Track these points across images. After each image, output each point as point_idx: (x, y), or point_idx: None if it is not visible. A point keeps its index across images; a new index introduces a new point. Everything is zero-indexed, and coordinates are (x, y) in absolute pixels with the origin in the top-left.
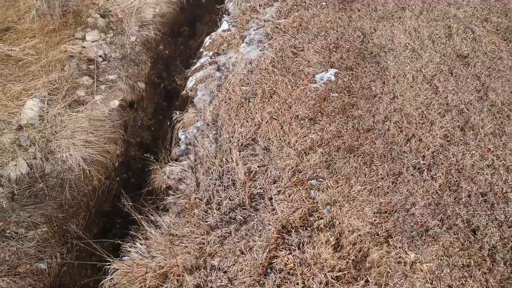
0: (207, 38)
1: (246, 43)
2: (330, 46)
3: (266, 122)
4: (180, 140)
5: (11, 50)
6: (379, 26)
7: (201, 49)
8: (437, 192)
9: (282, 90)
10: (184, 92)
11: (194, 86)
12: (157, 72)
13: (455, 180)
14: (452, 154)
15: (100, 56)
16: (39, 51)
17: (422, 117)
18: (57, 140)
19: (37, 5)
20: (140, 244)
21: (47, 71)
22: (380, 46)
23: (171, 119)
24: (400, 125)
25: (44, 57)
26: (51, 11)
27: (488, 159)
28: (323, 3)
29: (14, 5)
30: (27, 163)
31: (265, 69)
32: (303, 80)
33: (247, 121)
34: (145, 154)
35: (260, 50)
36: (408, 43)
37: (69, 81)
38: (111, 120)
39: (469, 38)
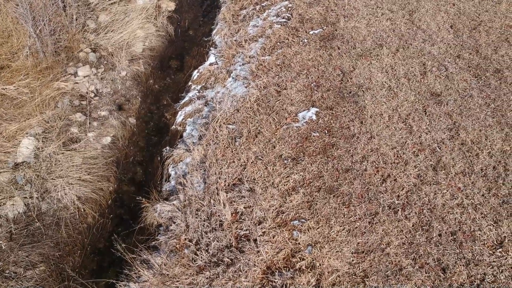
0: (195, 71)
1: (233, 78)
2: (312, 85)
3: (252, 163)
4: (170, 176)
5: (6, 89)
6: (357, 64)
7: (190, 83)
8: (411, 232)
9: (267, 130)
10: (173, 127)
11: (183, 120)
12: (147, 107)
13: (427, 219)
14: (425, 193)
15: (92, 91)
16: (33, 90)
17: (397, 157)
18: (52, 179)
19: (30, 43)
20: (134, 283)
21: (41, 109)
22: (359, 85)
23: (161, 155)
24: (376, 165)
25: (38, 96)
26: (43, 48)
27: (458, 198)
28: (305, 40)
29: (7, 42)
30: (23, 202)
31: (250, 108)
32: (286, 119)
33: (233, 161)
34: (137, 198)
35: (246, 87)
36: (385, 82)
37: (62, 118)
38: (104, 157)
39: (443, 76)
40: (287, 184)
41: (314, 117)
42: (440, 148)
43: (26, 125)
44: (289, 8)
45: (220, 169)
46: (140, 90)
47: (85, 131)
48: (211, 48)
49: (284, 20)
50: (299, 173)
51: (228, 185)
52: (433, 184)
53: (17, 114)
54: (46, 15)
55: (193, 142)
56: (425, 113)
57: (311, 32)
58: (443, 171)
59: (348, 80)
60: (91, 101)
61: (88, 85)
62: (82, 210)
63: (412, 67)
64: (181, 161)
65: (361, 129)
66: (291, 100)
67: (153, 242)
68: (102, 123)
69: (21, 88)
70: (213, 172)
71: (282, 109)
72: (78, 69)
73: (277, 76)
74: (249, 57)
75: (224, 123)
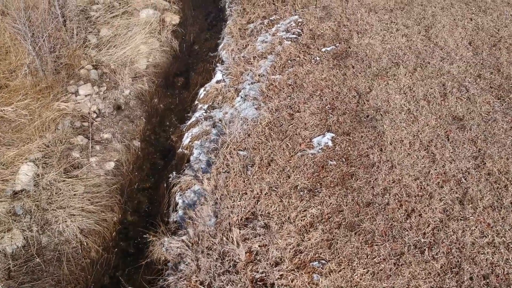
0: (202, 89)
1: (241, 97)
2: (326, 107)
3: (265, 194)
4: (177, 205)
5: (3, 110)
6: (374, 84)
7: (196, 102)
8: (439, 275)
9: (280, 157)
10: (180, 150)
11: (190, 143)
12: (152, 128)
13: (456, 260)
14: (452, 230)
15: (94, 112)
16: (32, 112)
17: (421, 188)
18: (53, 210)
19: (29, 61)
20: None
21: (41, 132)
22: (376, 108)
23: (167, 181)
24: (399, 199)
25: (37, 118)
26: (43, 66)
27: (488, 236)
28: (317, 58)
29: (5, 59)
30: (23, 235)
31: (262, 132)
32: (300, 144)
33: (245, 193)
34: (144, 233)
35: (256, 109)
36: (404, 104)
37: (63, 142)
38: (107, 185)
39: (464, 98)
40: (304, 219)
41: (330, 143)
42: (465, 179)
43: (25, 150)
44: (299, 23)
45: (232, 202)
46: (144, 110)
47: (87, 156)
48: (218, 64)
49: (294, 36)
50: (316, 206)
51: (241, 220)
52: (461, 219)
53: (15, 138)
54: (45, 31)
55: (201, 168)
56: (448, 140)
57: (323, 49)
58: (471, 205)
59: (364, 103)
60: (93, 122)
61: (90, 105)
62: (85, 244)
63: (431, 88)
64: (188, 188)
65: (381, 157)
66: (305, 124)
67: (162, 283)
68: (105, 146)
69: (20, 109)
70: (224, 206)
71: (296, 134)
72: (79, 88)
73: (289, 97)
74: (259, 75)
75: (234, 149)
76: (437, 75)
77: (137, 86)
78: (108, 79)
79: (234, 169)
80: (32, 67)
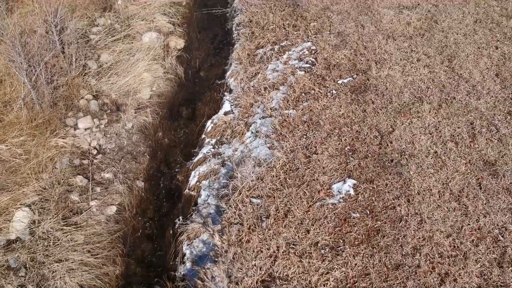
0: (209, 122)
1: (252, 132)
2: (346, 149)
3: (283, 253)
4: (185, 256)
5: None
6: (396, 123)
7: (203, 135)
8: None
9: (297, 207)
10: (186, 191)
11: (197, 183)
12: (156, 166)
13: None
14: None
15: (94, 148)
16: (28, 150)
17: (454, 247)
18: (50, 263)
19: (24, 93)
20: None
21: (37, 173)
22: (400, 151)
23: (174, 227)
24: (431, 259)
25: (33, 157)
26: (39, 99)
27: None
28: (334, 91)
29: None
30: None
31: (276, 177)
32: (319, 192)
33: (261, 250)
34: None
35: (269, 148)
36: (430, 147)
37: (61, 183)
38: (109, 233)
39: (494, 139)
40: (327, 283)
41: (352, 192)
42: (503, 236)
43: (20, 195)
44: (313, 51)
45: (247, 263)
46: (148, 145)
47: (87, 199)
48: (226, 94)
49: (308, 65)
50: (340, 268)
51: (256, 283)
52: (501, 286)
53: (10, 181)
54: (42, 60)
55: (210, 214)
56: (480, 188)
57: (339, 82)
58: (510, 268)
59: (387, 145)
60: (93, 160)
61: (90, 140)
62: None
63: (458, 127)
64: (197, 237)
65: (408, 209)
66: (323, 168)
67: None
68: (106, 187)
69: (15, 148)
70: (238, 267)
71: (314, 180)
72: (79, 121)
73: (304, 136)
74: (271, 109)
75: (247, 197)
76: (464, 112)
77: (140, 119)
78: (109, 111)
79: (247, 221)
80: (28, 100)
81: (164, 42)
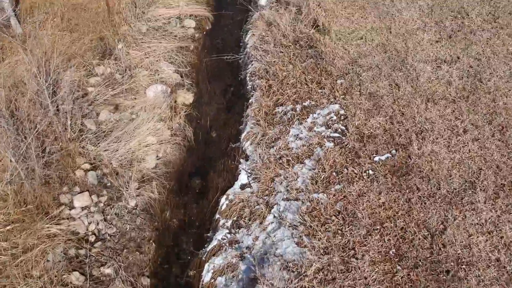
0: (223, 198)
1: (275, 217)
2: (391, 252)
3: None
4: None
5: None
6: (448, 218)
7: (217, 215)
8: None
9: None
10: None
11: (212, 280)
12: (164, 256)
13: None
14: None
15: (92, 233)
16: (15, 243)
17: None
18: None
19: (9, 173)
20: None
21: (27, 270)
22: (456, 258)
23: None
24: None
25: (21, 253)
26: (29, 177)
27: None
28: (370, 171)
29: None
30: None
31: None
32: None
33: None
34: None
35: (296, 243)
36: (491, 252)
37: (54, 282)
38: None
39: None
40: None
41: None
42: None
43: None
44: (341, 116)
45: None
46: (154, 228)
47: None
48: (242, 161)
49: (337, 135)
50: None
51: None
52: None
53: None
54: (32, 132)
55: None
56: None
57: (376, 158)
58: None
59: (440, 249)
60: (92, 248)
61: (88, 223)
62: None
63: None
64: None
65: None
66: (365, 278)
67: None
68: (106, 287)
69: (1, 242)
70: None
71: None
72: (75, 198)
73: (339, 232)
74: (296, 190)
75: None
76: None
77: (144, 195)
78: (109, 184)
79: None
80: (16, 180)
81: (171, 97)
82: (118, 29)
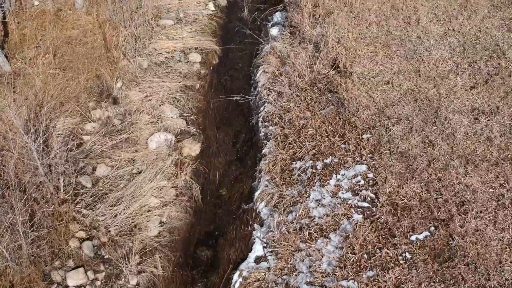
0: (236, 275)
1: None
2: None
3: None
4: None
5: None
6: None
7: None
8: None
9: None
10: None
11: None
12: None
13: None
14: None
15: None
16: None
17: None
18: None
19: None
20: None
21: None
22: None
23: None
24: None
25: None
26: (16, 254)
27: None
28: (407, 255)
29: None
30: None
31: None
32: None
33: None
34: None
35: None
36: None
37: None
38: None
39: None
40: None
41: None
42: None
43: None
44: (370, 181)
45: None
46: None
47: None
48: (256, 226)
49: (366, 204)
50: None
51: None
52: None
53: None
54: (17, 205)
55: None
56: None
57: (413, 238)
58: None
59: None
60: None
61: None
62: None
63: None
64: None
65: None
66: None
67: None
68: None
69: None
70: None
71: None
72: (68, 275)
73: None
74: (321, 273)
75: None
76: None
77: (147, 271)
78: (107, 256)
79: None
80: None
81: (176, 147)
82: (117, 65)
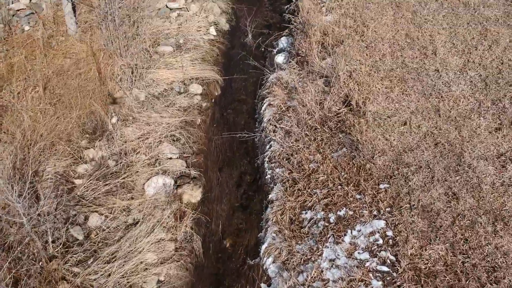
0: None
1: None
2: None
3: None
4: None
5: None
6: None
7: None
8: None
9: None
10: None
11: None
12: None
13: None
14: None
15: None
16: None
17: None
18: None
19: None
20: None
21: None
22: None
23: None
24: None
25: None
26: None
27: None
28: None
29: None
30: None
31: None
32: None
33: None
34: None
35: None
36: None
37: None
38: None
39: None
40: None
41: None
42: None
43: None
44: (389, 240)
45: None
46: None
47: None
48: (263, 287)
49: (385, 268)
50: None
51: None
52: None
53: None
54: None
55: None
56: None
57: None
58: None
59: None
60: None
61: None
62: None
63: None
64: None
65: None
66: None
67: None
68: None
69: None
70: None
71: None
72: None
73: None
74: None
75: None
76: None
77: None
78: None
79: None
80: None
81: (175, 194)
82: (112, 98)
